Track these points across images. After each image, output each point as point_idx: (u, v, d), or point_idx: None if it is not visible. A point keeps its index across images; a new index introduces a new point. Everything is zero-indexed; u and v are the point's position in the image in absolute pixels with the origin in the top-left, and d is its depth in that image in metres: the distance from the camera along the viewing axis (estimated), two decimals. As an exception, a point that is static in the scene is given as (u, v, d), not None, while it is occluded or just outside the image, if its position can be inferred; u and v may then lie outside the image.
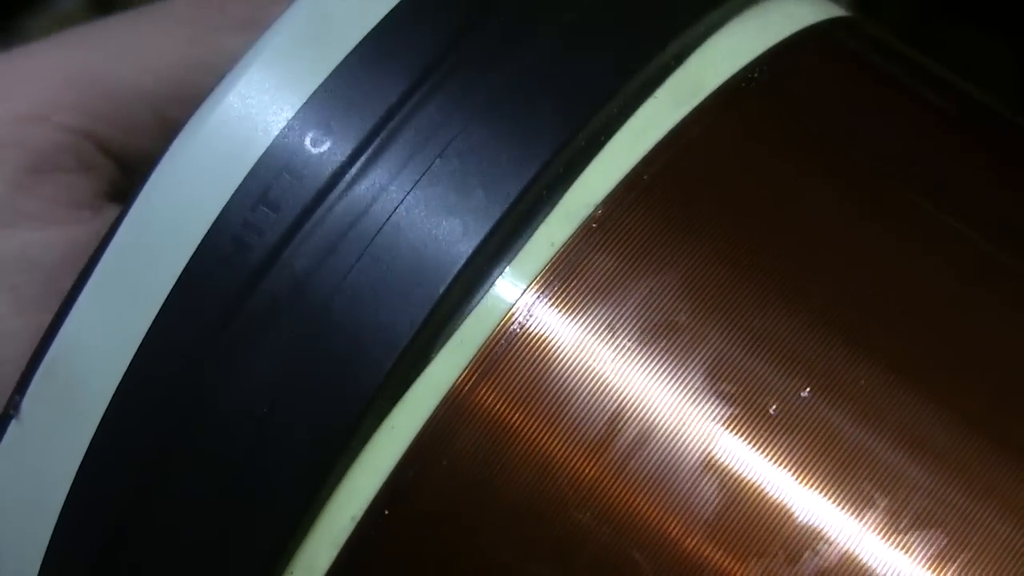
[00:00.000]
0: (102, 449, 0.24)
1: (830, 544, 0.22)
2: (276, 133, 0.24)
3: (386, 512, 0.23)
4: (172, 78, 0.30)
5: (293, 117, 0.24)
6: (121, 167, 0.31)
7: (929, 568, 0.22)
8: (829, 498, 0.22)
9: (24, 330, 0.29)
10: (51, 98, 0.30)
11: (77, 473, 0.24)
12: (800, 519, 0.22)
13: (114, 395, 0.24)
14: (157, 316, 0.24)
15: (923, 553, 0.22)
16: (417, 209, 0.24)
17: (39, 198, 0.29)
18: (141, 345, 0.24)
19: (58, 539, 0.25)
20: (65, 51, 0.31)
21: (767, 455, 0.22)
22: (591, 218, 0.24)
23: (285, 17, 0.24)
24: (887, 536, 0.22)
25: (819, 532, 0.22)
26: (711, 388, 0.23)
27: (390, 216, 0.24)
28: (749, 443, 0.22)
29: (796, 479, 0.22)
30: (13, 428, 0.25)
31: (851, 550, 0.22)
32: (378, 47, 0.24)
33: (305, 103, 0.24)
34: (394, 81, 0.24)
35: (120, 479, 0.24)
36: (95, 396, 0.24)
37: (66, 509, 0.25)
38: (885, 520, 0.22)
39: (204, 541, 0.24)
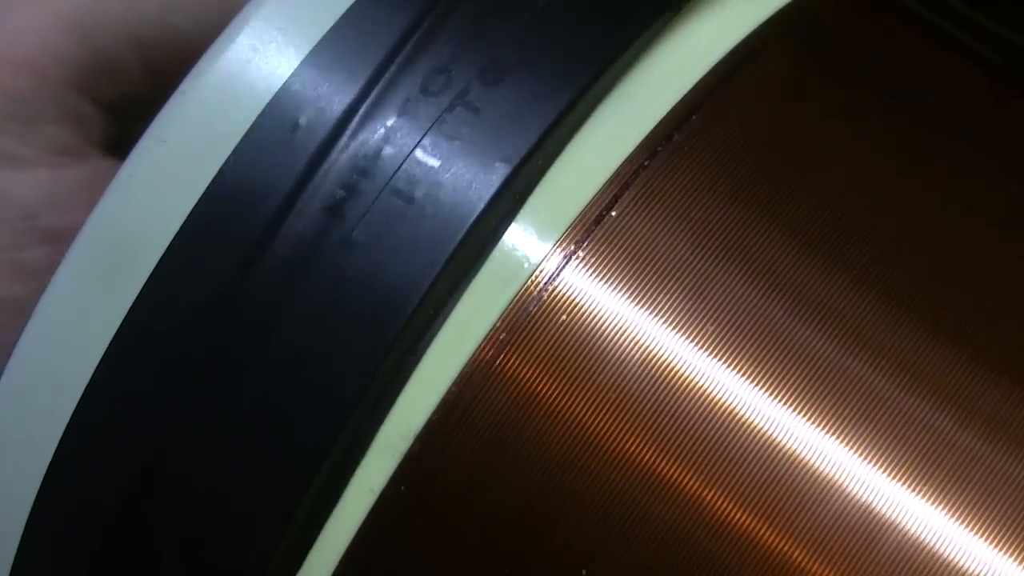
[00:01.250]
0: (113, 396, 0.23)
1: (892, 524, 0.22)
2: (286, 77, 0.23)
3: (402, 487, 0.22)
4: (158, 20, 0.29)
5: (301, 63, 0.23)
6: (112, 114, 0.30)
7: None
8: (861, 456, 0.22)
9: (1, 266, 0.28)
10: (33, 43, 0.29)
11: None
12: (848, 489, 0.22)
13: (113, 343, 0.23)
14: (161, 265, 0.23)
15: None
16: (433, 152, 0.22)
17: (23, 142, 0.29)
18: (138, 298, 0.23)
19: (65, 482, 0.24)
20: None
21: (810, 419, 0.22)
22: (620, 174, 0.23)
23: None
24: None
25: (860, 501, 0.21)
26: (748, 348, 0.22)
27: (406, 158, 0.22)
28: (787, 407, 0.22)
29: (842, 444, 0.22)
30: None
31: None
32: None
33: (312, 50, 0.23)
34: (404, 21, 0.23)
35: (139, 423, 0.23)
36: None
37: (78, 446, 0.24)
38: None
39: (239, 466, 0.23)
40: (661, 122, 0.23)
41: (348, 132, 0.23)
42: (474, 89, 0.23)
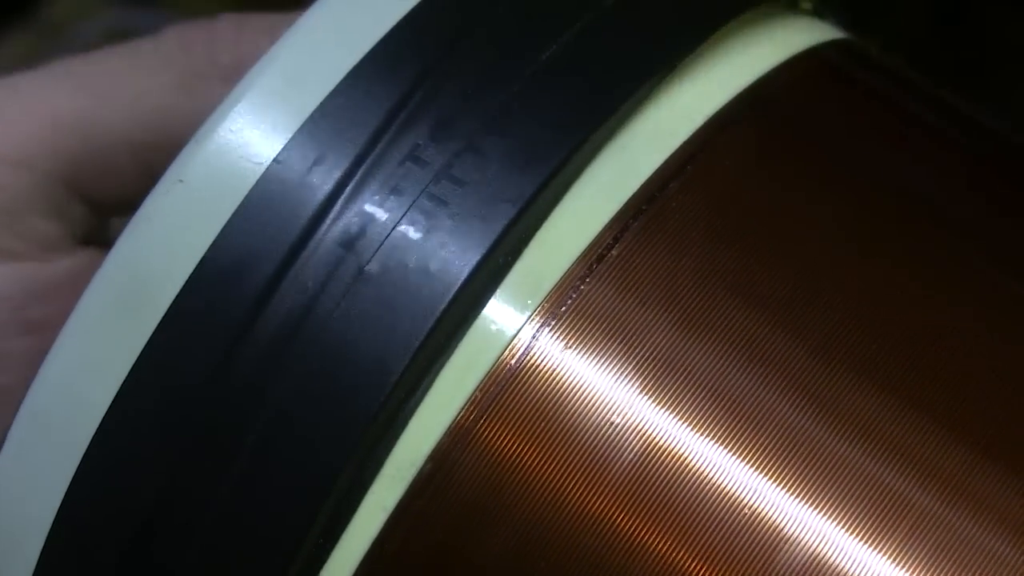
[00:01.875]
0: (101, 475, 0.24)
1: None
2: (266, 165, 0.24)
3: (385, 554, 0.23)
4: (155, 126, 0.30)
5: (282, 150, 0.24)
6: (96, 213, 0.31)
7: None
8: (850, 531, 0.22)
9: None
10: (29, 141, 0.30)
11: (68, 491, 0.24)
12: (811, 546, 0.22)
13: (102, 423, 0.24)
14: (145, 350, 0.24)
15: None
16: (409, 235, 0.23)
17: (7, 233, 0.30)
18: (124, 385, 0.24)
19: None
20: (48, 91, 0.30)
21: (781, 482, 0.22)
22: (594, 246, 0.24)
23: (265, 61, 0.24)
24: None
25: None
26: (714, 412, 0.23)
27: (381, 243, 0.23)
28: (758, 472, 0.22)
29: (808, 506, 0.22)
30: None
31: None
32: (364, 76, 0.24)
33: (292, 137, 0.24)
34: (378, 110, 0.24)
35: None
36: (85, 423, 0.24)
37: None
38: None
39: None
40: (632, 198, 0.24)
41: (335, 208, 0.24)
42: (456, 165, 0.24)
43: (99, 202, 0.31)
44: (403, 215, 0.23)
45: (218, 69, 0.30)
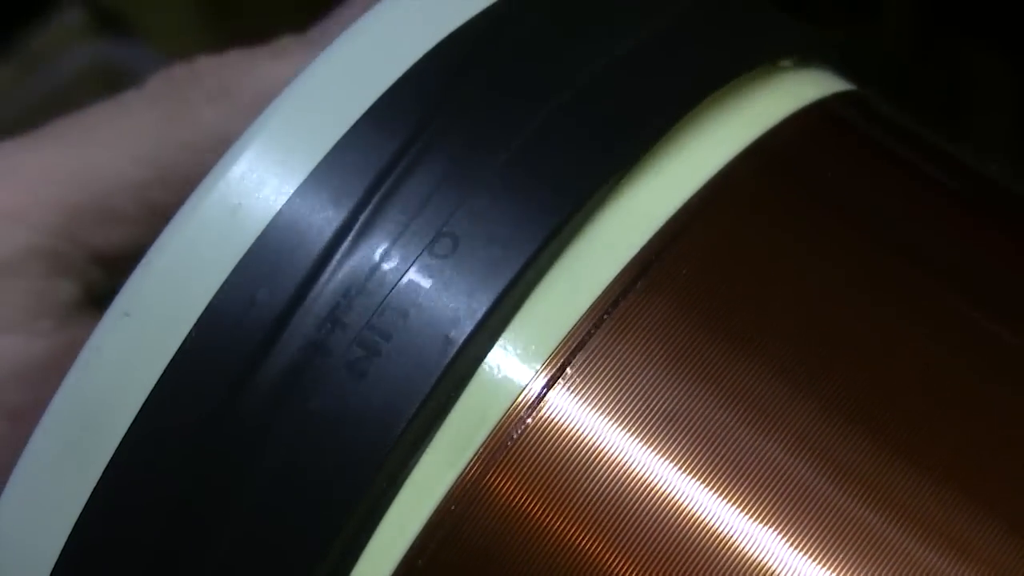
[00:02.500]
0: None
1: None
2: (272, 214, 0.24)
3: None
4: (152, 160, 0.30)
5: (290, 198, 0.24)
6: (103, 266, 0.30)
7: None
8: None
9: None
10: (24, 197, 0.29)
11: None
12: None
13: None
14: (149, 400, 0.23)
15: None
16: (418, 287, 0.23)
17: (2, 304, 0.29)
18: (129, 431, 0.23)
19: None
20: (42, 151, 0.30)
21: (792, 541, 0.22)
22: (599, 305, 0.24)
23: (274, 106, 0.24)
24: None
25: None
26: (725, 476, 0.23)
27: (388, 293, 0.23)
28: (771, 532, 0.23)
29: (810, 561, 0.22)
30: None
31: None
32: (367, 129, 0.24)
33: (299, 187, 0.24)
34: (382, 160, 0.24)
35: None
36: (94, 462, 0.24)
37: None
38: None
39: None
40: (637, 255, 0.24)
41: (332, 263, 0.24)
42: (455, 221, 0.23)
43: (108, 254, 0.30)
44: (405, 271, 0.23)
45: (204, 91, 0.30)
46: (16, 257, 0.29)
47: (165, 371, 0.23)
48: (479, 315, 0.23)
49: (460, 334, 0.23)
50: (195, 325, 0.23)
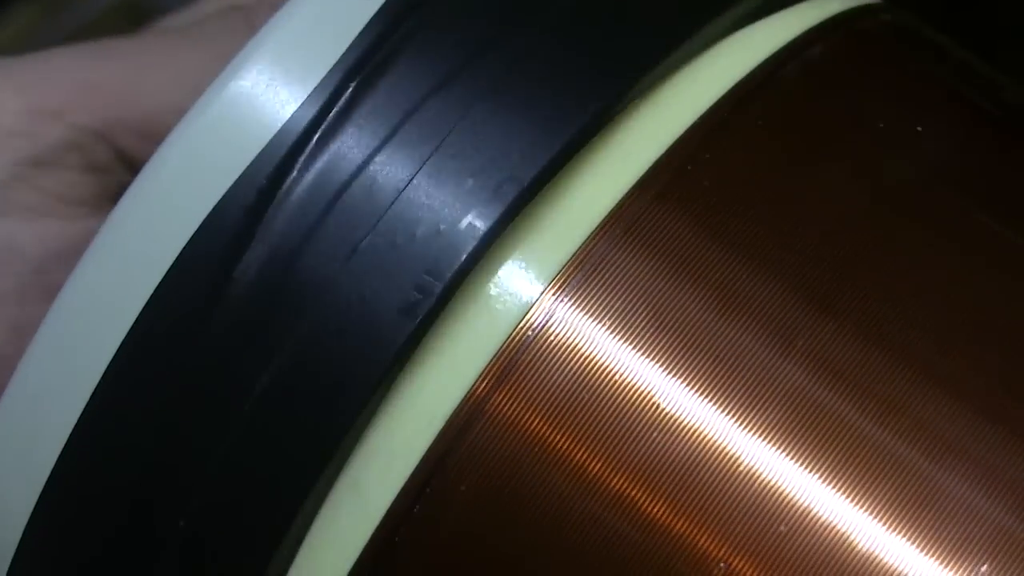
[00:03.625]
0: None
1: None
2: (285, 118, 0.23)
3: (397, 535, 0.23)
4: (199, 92, 0.30)
5: (301, 104, 0.23)
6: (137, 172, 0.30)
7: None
8: (851, 499, 0.22)
9: (2, 319, 0.29)
10: (70, 96, 0.30)
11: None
12: (817, 515, 0.22)
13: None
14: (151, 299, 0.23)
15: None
16: (423, 189, 0.23)
17: (36, 190, 0.29)
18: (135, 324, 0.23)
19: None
20: (93, 60, 0.30)
21: (794, 458, 0.22)
22: (615, 214, 0.23)
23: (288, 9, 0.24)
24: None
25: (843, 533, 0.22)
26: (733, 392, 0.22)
27: (398, 195, 0.23)
28: (772, 446, 0.22)
29: (821, 481, 0.22)
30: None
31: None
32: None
33: (311, 93, 0.23)
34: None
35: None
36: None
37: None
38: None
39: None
40: (653, 165, 0.23)
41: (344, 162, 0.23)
42: (470, 115, 0.23)
43: (141, 159, 0.30)
44: (416, 172, 0.23)
45: None
46: (54, 149, 0.29)
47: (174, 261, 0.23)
48: (487, 227, 0.22)
49: (466, 245, 0.22)
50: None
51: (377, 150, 0.23)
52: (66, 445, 0.24)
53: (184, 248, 0.23)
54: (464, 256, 0.22)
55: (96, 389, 0.23)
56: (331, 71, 0.23)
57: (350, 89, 0.23)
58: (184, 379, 0.23)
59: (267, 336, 0.23)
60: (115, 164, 0.30)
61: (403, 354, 0.22)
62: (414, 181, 0.23)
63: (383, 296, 0.22)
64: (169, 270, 0.23)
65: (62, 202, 0.29)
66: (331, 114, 0.23)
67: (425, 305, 0.22)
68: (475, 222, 0.22)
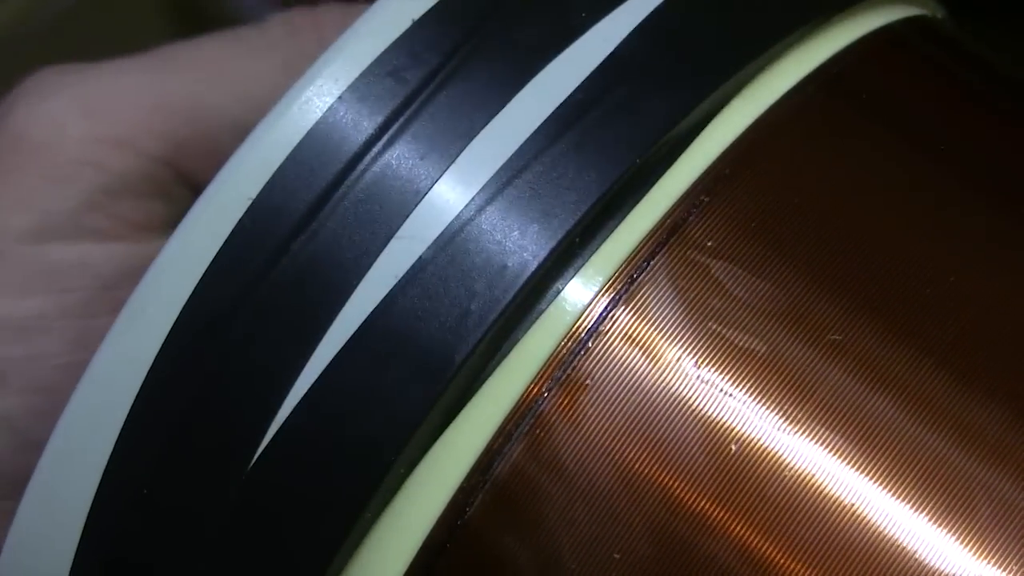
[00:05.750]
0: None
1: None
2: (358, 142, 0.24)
3: (448, 544, 0.23)
4: (262, 107, 0.30)
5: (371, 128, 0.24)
6: (198, 194, 0.31)
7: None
8: (935, 523, 0.22)
9: (67, 330, 0.29)
10: (136, 123, 0.30)
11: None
12: (903, 543, 0.22)
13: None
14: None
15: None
16: (489, 217, 0.23)
17: (108, 217, 0.30)
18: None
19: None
20: (155, 74, 0.31)
21: (862, 474, 0.22)
22: (663, 224, 0.23)
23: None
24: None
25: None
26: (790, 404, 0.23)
27: (464, 221, 0.23)
28: (842, 462, 0.22)
29: (890, 495, 0.22)
30: None
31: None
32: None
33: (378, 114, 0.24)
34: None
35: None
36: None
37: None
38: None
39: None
40: (704, 173, 0.24)
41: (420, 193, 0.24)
42: (533, 165, 0.23)
43: (204, 185, 0.30)
44: (478, 191, 0.23)
45: (323, 45, 0.29)
46: (125, 178, 0.30)
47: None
48: (547, 249, 0.23)
49: (525, 266, 0.23)
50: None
51: (439, 175, 0.24)
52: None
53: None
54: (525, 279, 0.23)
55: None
56: (397, 89, 0.24)
57: (412, 107, 0.24)
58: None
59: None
60: (179, 189, 0.31)
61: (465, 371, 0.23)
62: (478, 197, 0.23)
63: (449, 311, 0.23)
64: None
65: (132, 227, 0.30)
66: (390, 132, 0.23)
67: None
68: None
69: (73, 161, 0.30)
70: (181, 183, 0.30)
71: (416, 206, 0.23)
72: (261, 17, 0.32)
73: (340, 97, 0.24)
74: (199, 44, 0.31)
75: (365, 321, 0.23)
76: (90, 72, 0.31)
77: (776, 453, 0.22)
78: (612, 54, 0.24)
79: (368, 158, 0.24)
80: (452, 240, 0.23)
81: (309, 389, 0.23)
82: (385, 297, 0.23)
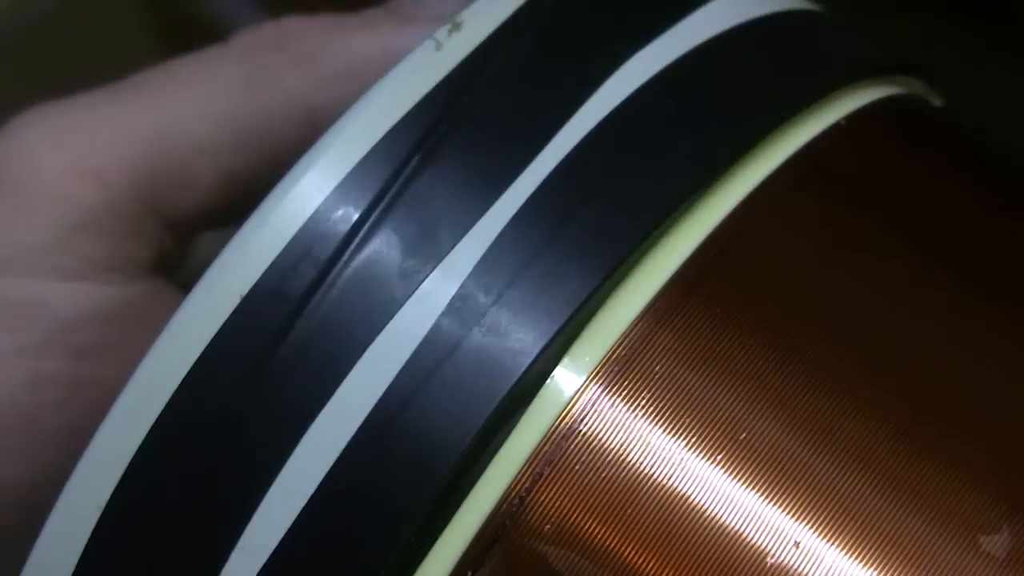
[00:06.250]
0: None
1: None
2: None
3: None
4: (230, 125, 0.30)
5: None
6: (173, 229, 0.31)
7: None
8: None
9: (19, 368, 0.29)
10: (105, 156, 0.30)
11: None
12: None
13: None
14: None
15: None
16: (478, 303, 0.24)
17: (74, 255, 0.30)
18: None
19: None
20: (123, 105, 0.30)
21: (846, 550, 0.23)
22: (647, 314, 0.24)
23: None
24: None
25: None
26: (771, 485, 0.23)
27: (448, 305, 0.24)
28: (822, 538, 0.23)
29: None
30: None
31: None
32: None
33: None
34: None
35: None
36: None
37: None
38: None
39: None
40: (685, 263, 0.24)
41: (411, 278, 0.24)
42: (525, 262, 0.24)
43: (178, 220, 0.31)
44: (473, 284, 0.24)
45: (288, 57, 0.30)
46: (92, 213, 0.29)
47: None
48: (542, 343, 0.24)
49: (523, 361, 0.23)
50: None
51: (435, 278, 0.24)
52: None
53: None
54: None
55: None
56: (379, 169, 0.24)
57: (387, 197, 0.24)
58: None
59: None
60: (152, 225, 0.30)
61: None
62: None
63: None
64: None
65: (97, 267, 0.30)
66: (367, 225, 0.24)
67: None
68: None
69: (43, 195, 0.29)
70: (151, 217, 0.30)
71: None
72: (236, 18, 0.32)
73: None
74: (166, 70, 0.31)
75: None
76: (66, 105, 0.31)
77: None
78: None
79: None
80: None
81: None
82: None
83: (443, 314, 0.24)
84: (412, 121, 0.24)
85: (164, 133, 0.30)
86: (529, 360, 0.23)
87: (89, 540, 0.25)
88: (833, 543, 0.23)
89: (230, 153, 0.30)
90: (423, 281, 0.24)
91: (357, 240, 0.24)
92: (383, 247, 0.24)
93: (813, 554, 0.23)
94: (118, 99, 0.31)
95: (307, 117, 0.30)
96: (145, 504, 0.25)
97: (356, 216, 0.24)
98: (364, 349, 0.24)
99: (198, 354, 0.24)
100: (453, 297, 0.24)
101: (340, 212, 0.24)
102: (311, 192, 0.24)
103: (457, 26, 0.25)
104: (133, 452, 0.24)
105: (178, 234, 0.31)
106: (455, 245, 0.24)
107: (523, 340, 0.23)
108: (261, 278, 0.24)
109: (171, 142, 0.30)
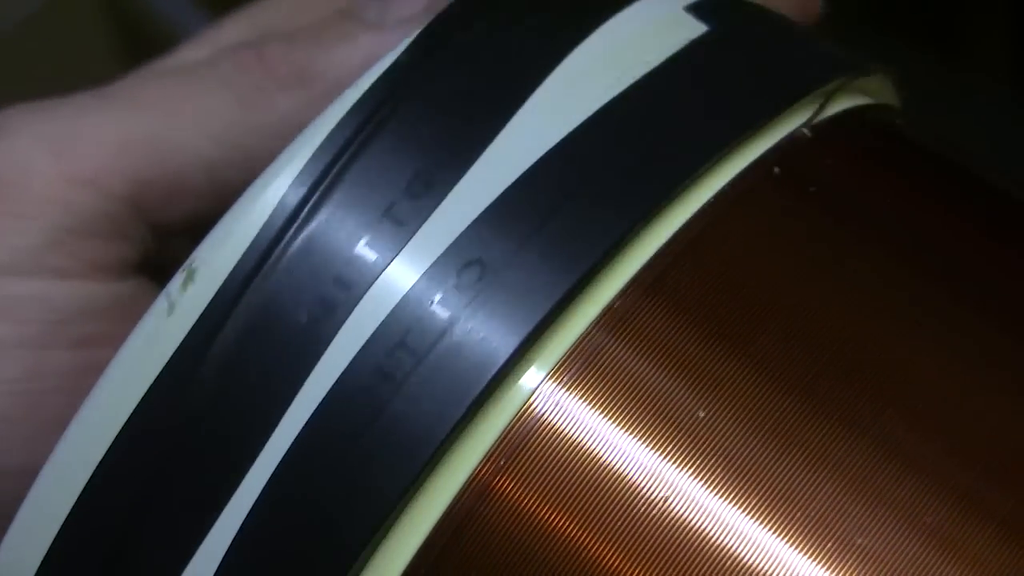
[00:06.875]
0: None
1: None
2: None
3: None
4: (225, 141, 0.31)
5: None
6: (158, 235, 0.32)
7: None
8: None
9: (23, 359, 0.30)
10: (102, 163, 0.31)
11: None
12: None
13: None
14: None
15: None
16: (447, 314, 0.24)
17: (69, 255, 0.30)
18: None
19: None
20: (118, 113, 0.31)
21: (793, 547, 0.23)
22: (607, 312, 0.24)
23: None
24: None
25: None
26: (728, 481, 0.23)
27: (420, 317, 0.24)
28: (771, 535, 0.23)
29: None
30: None
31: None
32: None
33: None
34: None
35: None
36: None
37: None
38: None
39: None
40: (642, 268, 0.25)
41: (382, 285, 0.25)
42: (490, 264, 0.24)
43: (165, 224, 0.32)
44: (441, 296, 0.24)
45: (276, 80, 0.32)
46: (86, 218, 0.30)
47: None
48: (510, 349, 0.24)
49: (492, 366, 0.24)
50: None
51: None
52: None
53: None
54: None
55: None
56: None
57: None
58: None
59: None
60: (139, 229, 0.31)
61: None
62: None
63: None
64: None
65: (92, 267, 0.31)
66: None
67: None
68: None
69: (38, 199, 0.30)
70: (142, 223, 0.31)
71: None
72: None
73: None
74: (159, 81, 0.32)
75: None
76: (55, 110, 0.32)
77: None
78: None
79: None
80: None
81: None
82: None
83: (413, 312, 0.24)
84: None
85: (161, 144, 0.31)
86: (499, 364, 0.24)
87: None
88: (778, 532, 0.23)
89: (224, 167, 0.31)
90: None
91: None
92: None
93: (757, 542, 0.23)
94: (109, 106, 0.32)
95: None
96: (105, 508, 0.25)
97: None
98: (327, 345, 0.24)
99: (162, 365, 0.25)
100: (422, 296, 0.24)
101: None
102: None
103: None
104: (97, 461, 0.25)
105: (163, 237, 0.32)
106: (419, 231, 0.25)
107: (494, 344, 0.24)
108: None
109: (168, 153, 0.31)
